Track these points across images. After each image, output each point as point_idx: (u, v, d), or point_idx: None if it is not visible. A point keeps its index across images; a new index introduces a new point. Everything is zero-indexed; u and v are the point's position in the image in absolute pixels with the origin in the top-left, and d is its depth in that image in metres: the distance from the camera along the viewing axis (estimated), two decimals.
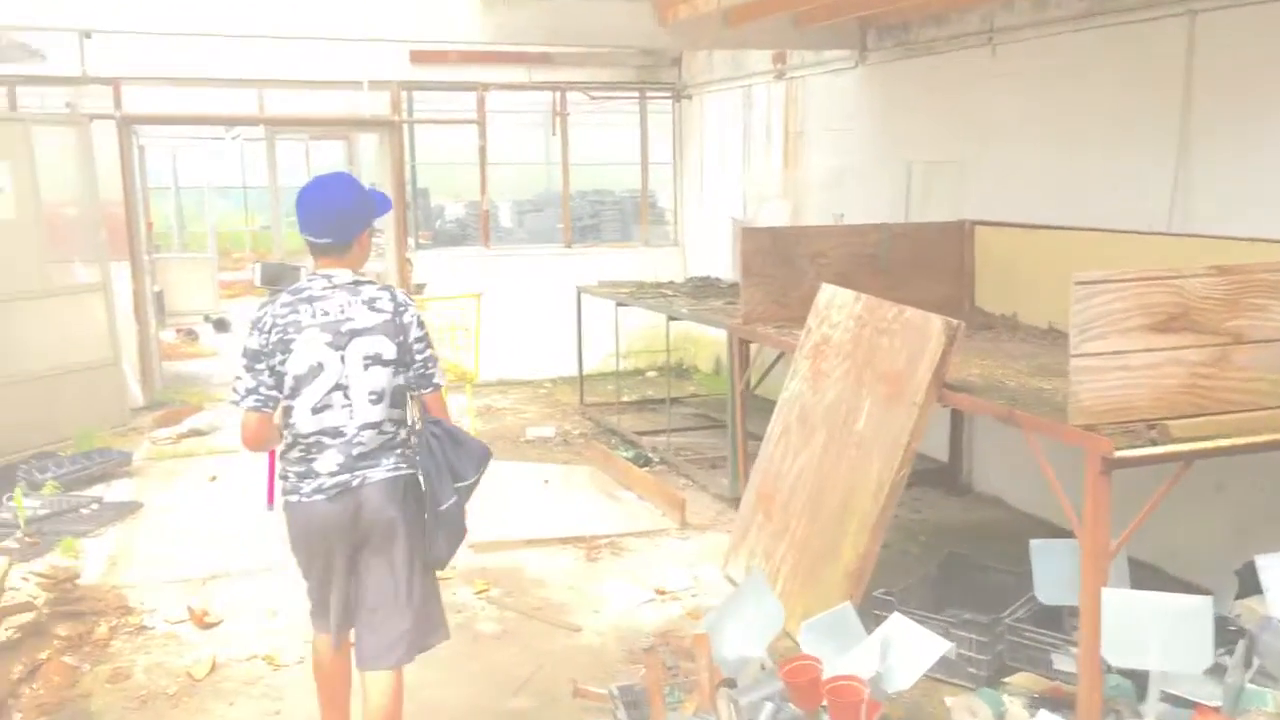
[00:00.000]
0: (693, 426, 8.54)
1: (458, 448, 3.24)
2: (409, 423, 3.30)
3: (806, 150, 8.56)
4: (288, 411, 3.17)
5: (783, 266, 5.94)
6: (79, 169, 8.28)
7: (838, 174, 8.09)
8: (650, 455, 7.51)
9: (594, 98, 10.34)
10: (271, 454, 3.39)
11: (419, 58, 9.67)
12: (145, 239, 10.24)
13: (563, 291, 9.68)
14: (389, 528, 3.20)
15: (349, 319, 3.13)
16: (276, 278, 3.66)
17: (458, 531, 3.27)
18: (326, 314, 3.12)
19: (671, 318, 7.79)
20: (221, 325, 13.65)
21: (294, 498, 3.20)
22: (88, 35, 8.78)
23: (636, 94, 10.56)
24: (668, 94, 10.62)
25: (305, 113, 9.51)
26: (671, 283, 9.01)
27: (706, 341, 10.41)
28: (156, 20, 6.48)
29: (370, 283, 3.24)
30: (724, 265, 9.44)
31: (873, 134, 7.61)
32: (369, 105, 9.64)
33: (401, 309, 3.22)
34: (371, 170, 15.54)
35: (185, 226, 20.30)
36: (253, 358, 3.15)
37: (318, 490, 3.15)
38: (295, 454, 3.20)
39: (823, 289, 5.24)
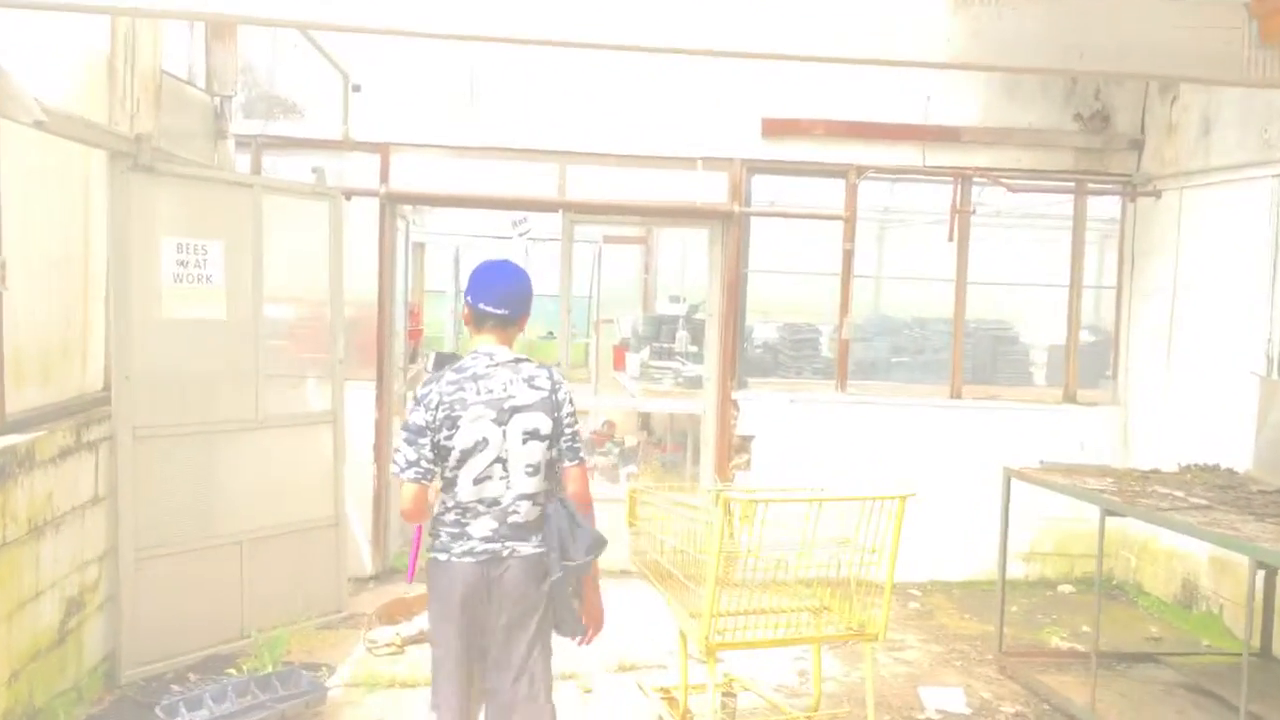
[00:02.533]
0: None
1: (574, 528, 3.31)
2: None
3: None
4: (450, 482, 3.28)
5: None
6: (327, 257, 6.08)
7: None
8: None
9: (1014, 189, 7.26)
10: (419, 529, 3.61)
11: (774, 129, 7.03)
12: (404, 352, 8.05)
13: (946, 459, 6.68)
14: (529, 604, 3.31)
15: (511, 396, 3.29)
16: (449, 362, 3.49)
17: (565, 607, 3.36)
18: (490, 391, 3.28)
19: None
20: None
21: (442, 555, 3.30)
22: (356, 88, 6.72)
23: (1071, 186, 7.41)
24: (1118, 188, 7.41)
25: (615, 199, 7.08)
26: (1156, 472, 5.66)
27: (1158, 552, 6.92)
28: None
29: (528, 360, 3.38)
30: (1224, 444, 6.00)
31: None
32: (702, 190, 7.06)
33: (557, 386, 3.39)
34: (679, 280, 13.12)
35: (460, 333, 18.77)
36: (417, 432, 3.25)
37: (468, 553, 3.28)
38: (450, 517, 3.31)
39: None
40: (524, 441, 3.29)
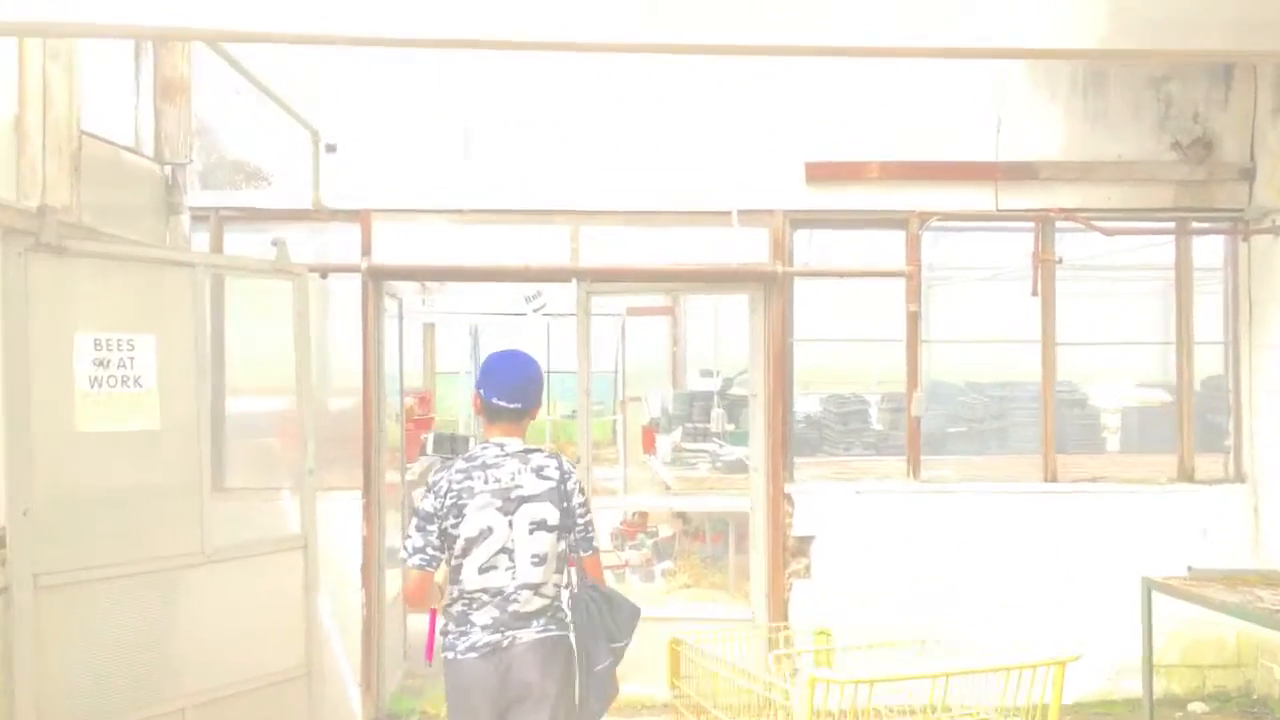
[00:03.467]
0: None
1: (614, 611, 3.36)
2: (565, 585, 3.41)
3: None
4: (456, 570, 3.29)
5: None
6: (295, 345, 5.05)
7: None
8: None
9: (1108, 232, 6.15)
10: (433, 612, 3.46)
11: (820, 174, 5.99)
12: (403, 449, 6.98)
13: (1043, 557, 5.63)
14: (540, 691, 3.27)
15: (519, 486, 3.33)
16: (448, 447, 3.84)
17: (610, 691, 3.38)
18: (498, 480, 3.31)
19: None
20: None
21: (450, 654, 3.32)
22: (330, 148, 5.75)
23: (1172, 226, 6.29)
24: (1226, 225, 6.29)
25: (638, 263, 6.05)
26: None
27: None
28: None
29: (539, 450, 3.41)
30: None
31: None
32: (738, 248, 6.01)
33: (566, 476, 3.41)
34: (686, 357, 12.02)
35: (475, 418, 17.78)
36: (425, 519, 3.29)
37: (471, 648, 3.27)
38: (457, 609, 3.33)
39: None
40: (530, 531, 3.32)
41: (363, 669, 5.76)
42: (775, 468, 6.01)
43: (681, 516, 11.51)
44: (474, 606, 3.30)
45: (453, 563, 3.30)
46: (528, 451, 3.40)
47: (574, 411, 20.00)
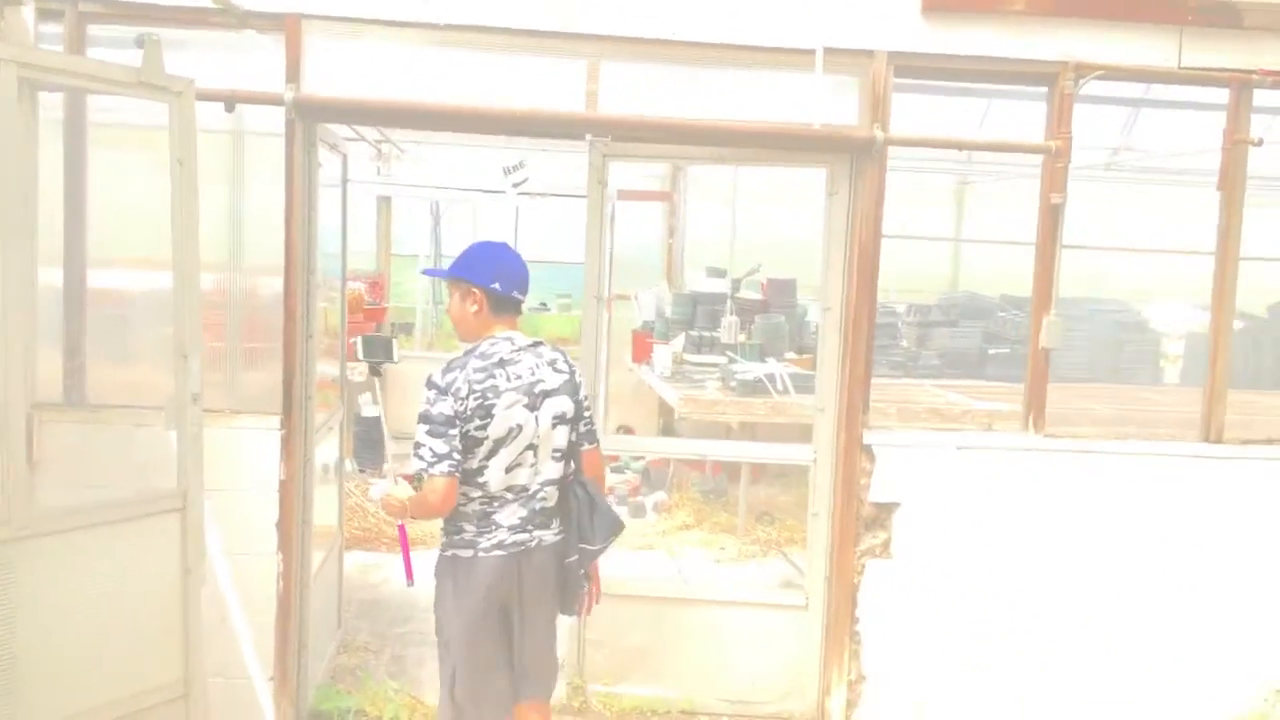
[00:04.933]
0: None
1: (594, 514, 3.32)
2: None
3: None
4: (475, 473, 3.17)
5: None
6: (172, 200, 3.28)
7: None
8: None
9: None
10: (402, 528, 3.58)
11: (942, 3, 4.25)
12: (344, 351, 5.30)
13: (1206, 544, 4.10)
14: (550, 593, 3.33)
15: (539, 380, 3.24)
16: (381, 352, 4.00)
17: (576, 588, 3.38)
18: (519, 377, 3.21)
19: None
20: None
21: (466, 552, 3.20)
22: None
23: None
24: None
25: (676, 116, 4.31)
26: None
27: None
28: None
29: (543, 343, 3.35)
30: None
31: None
32: (818, 105, 4.28)
33: (574, 369, 3.38)
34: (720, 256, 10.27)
35: (439, 311, 16.04)
36: (445, 423, 3.09)
37: (498, 546, 3.20)
38: (474, 508, 3.21)
39: None
40: (553, 426, 3.27)
41: (277, 658, 4.16)
42: (850, 409, 4.41)
43: (672, 434, 9.97)
44: (496, 505, 3.21)
45: (473, 466, 3.15)
46: (536, 345, 3.32)
47: (543, 304, 18.27)
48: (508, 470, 3.18)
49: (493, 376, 3.15)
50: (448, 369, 3.16)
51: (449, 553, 3.23)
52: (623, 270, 10.49)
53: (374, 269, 10.30)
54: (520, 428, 3.18)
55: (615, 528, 3.38)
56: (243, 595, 4.10)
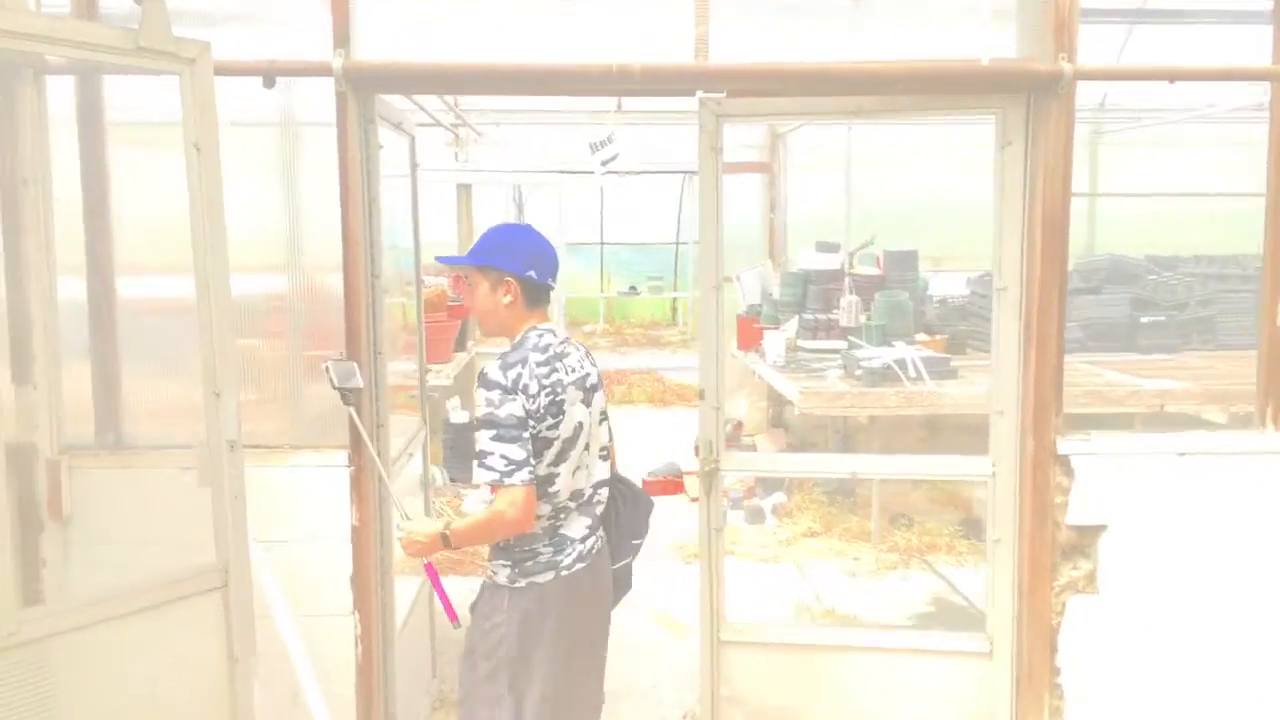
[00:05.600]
0: None
1: (636, 506, 3.17)
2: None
3: None
4: (547, 479, 2.84)
5: None
6: (190, 192, 2.61)
7: None
8: None
9: None
10: (430, 565, 3.04)
11: None
12: (422, 365, 4.62)
13: None
14: (609, 603, 3.12)
15: (588, 374, 3.00)
16: (349, 375, 3.21)
17: (625, 589, 3.19)
18: (574, 370, 2.93)
19: None
20: None
21: (547, 576, 2.85)
22: None
23: None
24: None
25: (808, 60, 3.47)
26: None
27: None
28: None
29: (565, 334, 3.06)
30: None
31: None
32: (981, 36, 3.41)
33: (595, 361, 3.12)
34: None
35: None
36: (518, 425, 2.73)
37: (579, 559, 2.92)
38: (542, 525, 2.87)
39: None
40: (600, 422, 3.06)
41: None
42: (1039, 411, 3.55)
43: (784, 427, 9.16)
44: (563, 518, 2.91)
45: (543, 471, 2.81)
46: (567, 338, 3.01)
47: (632, 288, 17.45)
48: (574, 474, 2.92)
49: (556, 370, 2.85)
50: (506, 365, 2.80)
51: (521, 583, 2.85)
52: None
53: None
54: (582, 425, 2.94)
55: (651, 508, 3.23)
56: (317, 664, 3.45)
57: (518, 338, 2.89)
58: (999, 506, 3.69)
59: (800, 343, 7.54)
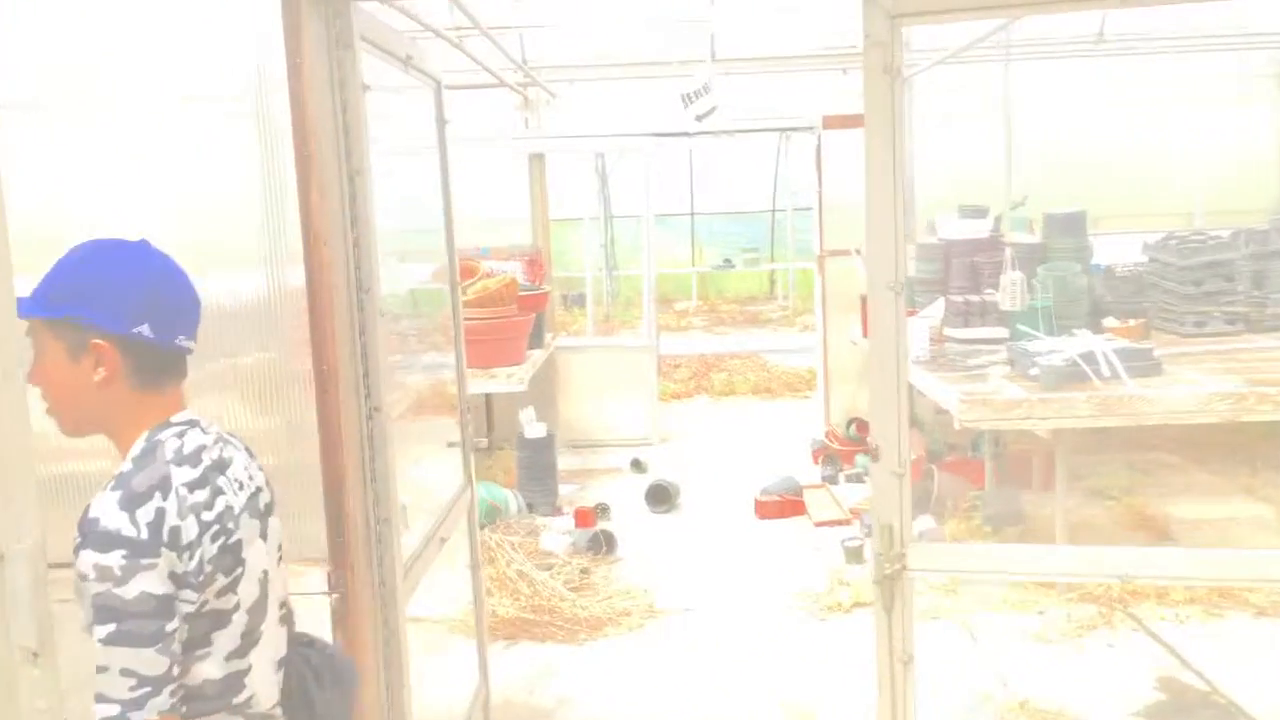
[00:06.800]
0: None
1: (335, 687, 2.04)
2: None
3: None
4: (227, 686, 1.81)
5: None
6: None
7: None
8: None
9: None
10: None
11: None
12: (464, 398, 3.37)
13: None
14: None
15: (259, 488, 1.92)
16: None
17: None
18: (240, 484, 1.85)
19: None
20: (638, 466, 7.52)
21: None
22: None
23: None
24: None
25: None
26: None
27: None
28: None
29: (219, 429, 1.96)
30: None
31: None
32: None
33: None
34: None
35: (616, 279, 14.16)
36: (159, 612, 1.64)
37: None
38: None
39: None
40: (278, 561, 1.94)
41: None
42: None
43: (917, 426, 7.73)
44: None
45: (218, 673, 1.75)
46: (219, 431, 1.90)
47: (727, 260, 15.99)
48: (236, 655, 1.79)
49: (221, 493, 1.79)
50: (130, 498, 1.65)
51: None
52: (834, 218, 8.29)
53: (529, 244, 8.40)
54: (267, 577, 1.89)
55: (355, 682, 2.11)
56: None
57: (138, 444, 1.75)
58: None
59: (948, 331, 6.11)
